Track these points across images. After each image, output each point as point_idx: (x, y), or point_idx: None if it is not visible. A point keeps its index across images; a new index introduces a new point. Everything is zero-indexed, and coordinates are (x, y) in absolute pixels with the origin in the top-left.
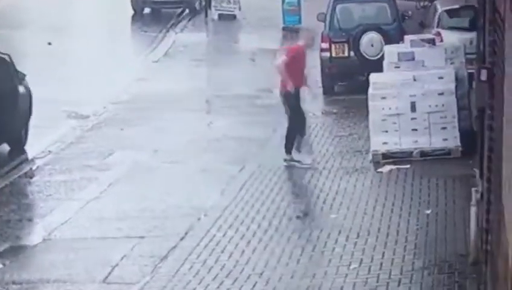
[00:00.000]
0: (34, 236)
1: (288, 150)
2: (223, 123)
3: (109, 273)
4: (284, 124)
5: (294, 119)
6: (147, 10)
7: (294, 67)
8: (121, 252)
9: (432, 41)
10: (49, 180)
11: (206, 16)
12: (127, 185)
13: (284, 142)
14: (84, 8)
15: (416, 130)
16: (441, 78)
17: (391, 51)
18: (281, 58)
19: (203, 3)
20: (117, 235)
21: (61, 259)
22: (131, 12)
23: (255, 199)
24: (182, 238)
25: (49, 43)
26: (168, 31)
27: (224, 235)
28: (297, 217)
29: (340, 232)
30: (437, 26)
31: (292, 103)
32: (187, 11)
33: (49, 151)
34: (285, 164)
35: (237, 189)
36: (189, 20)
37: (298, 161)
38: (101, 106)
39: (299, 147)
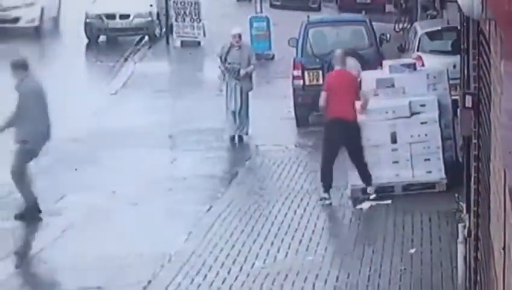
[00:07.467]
0: None
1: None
2: (188, 160)
3: None
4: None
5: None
6: (102, 38)
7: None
8: None
9: (412, 66)
10: None
11: (168, 43)
12: (82, 231)
13: (361, 174)
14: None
15: (397, 162)
16: (423, 105)
17: (369, 78)
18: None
19: (164, 29)
20: (72, 287)
21: None
22: (85, 40)
23: (224, 242)
24: (144, 288)
25: None
26: (126, 60)
27: (191, 282)
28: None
29: (317, 276)
30: (417, 50)
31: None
32: (146, 38)
33: None
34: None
35: (204, 231)
36: (149, 48)
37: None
38: (52, 144)
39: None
